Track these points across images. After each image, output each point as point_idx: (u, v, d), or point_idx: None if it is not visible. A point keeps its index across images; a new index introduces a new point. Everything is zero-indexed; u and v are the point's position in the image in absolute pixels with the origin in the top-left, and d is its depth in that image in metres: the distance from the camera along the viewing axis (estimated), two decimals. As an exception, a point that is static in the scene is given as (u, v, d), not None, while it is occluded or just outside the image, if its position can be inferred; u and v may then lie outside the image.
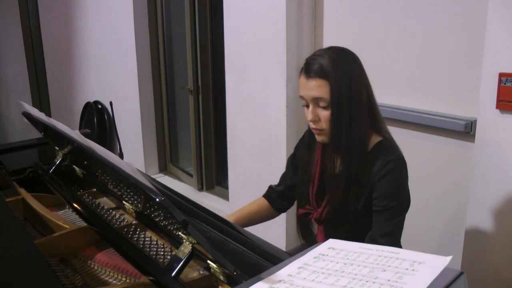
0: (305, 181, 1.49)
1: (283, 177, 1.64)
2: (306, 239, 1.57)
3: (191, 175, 3.52)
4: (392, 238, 1.33)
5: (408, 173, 1.38)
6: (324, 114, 1.31)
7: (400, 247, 1.40)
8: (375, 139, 1.37)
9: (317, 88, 1.29)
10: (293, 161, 1.60)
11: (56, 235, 1.20)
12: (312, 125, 1.36)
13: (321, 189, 1.45)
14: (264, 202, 1.64)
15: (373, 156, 1.34)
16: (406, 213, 1.37)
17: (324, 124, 1.33)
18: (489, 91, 1.59)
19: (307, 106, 1.34)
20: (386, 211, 1.32)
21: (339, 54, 1.31)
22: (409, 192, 1.39)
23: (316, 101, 1.31)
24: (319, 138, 1.38)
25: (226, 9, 2.59)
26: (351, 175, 1.34)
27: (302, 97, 1.35)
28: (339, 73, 1.28)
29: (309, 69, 1.31)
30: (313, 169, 1.46)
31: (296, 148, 1.61)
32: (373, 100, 1.38)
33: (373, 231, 1.34)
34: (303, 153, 1.53)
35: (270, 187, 1.66)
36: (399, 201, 1.33)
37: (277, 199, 1.62)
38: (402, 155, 1.36)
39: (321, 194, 1.45)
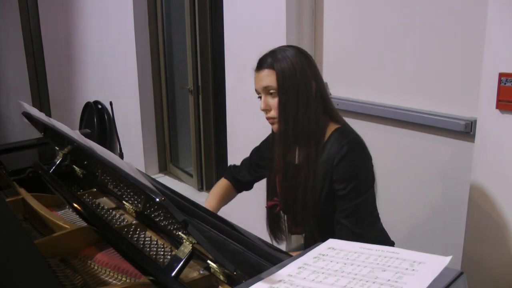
0: (272, 174, 1.55)
1: (244, 166, 1.74)
2: (276, 235, 1.62)
3: (191, 175, 3.52)
4: (355, 218, 1.37)
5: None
6: (273, 102, 1.40)
7: (370, 227, 1.43)
8: (332, 126, 1.44)
9: (265, 77, 1.39)
10: (256, 152, 1.70)
11: (56, 235, 1.20)
12: (265, 115, 1.44)
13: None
14: (228, 184, 1.74)
15: (330, 142, 1.40)
16: (368, 193, 1.40)
17: (274, 112, 1.41)
18: (489, 91, 1.59)
19: (261, 98, 1.44)
20: (346, 193, 1.36)
21: (287, 49, 1.42)
22: (371, 172, 1.42)
23: (266, 90, 1.40)
24: (274, 127, 1.46)
25: (226, 9, 2.59)
26: (310, 163, 1.41)
27: (256, 91, 1.45)
28: (284, 63, 1.37)
29: (260, 63, 1.42)
30: (276, 162, 1.53)
31: (263, 142, 1.69)
32: (324, 92, 1.45)
33: (337, 213, 1.39)
34: (268, 148, 1.61)
35: (229, 168, 1.76)
36: (358, 181, 1.37)
37: (238, 182, 1.74)
38: (358, 137, 1.42)
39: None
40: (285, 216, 1.57)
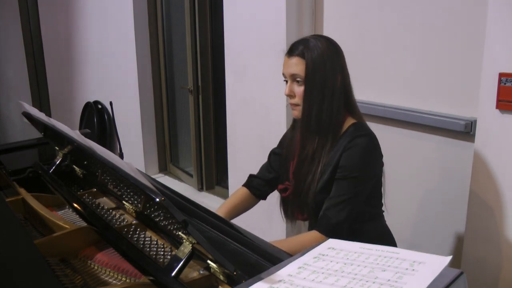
0: (287, 158, 1.57)
1: (263, 168, 1.71)
2: (288, 216, 1.62)
3: (191, 175, 3.52)
4: (347, 205, 1.39)
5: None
6: (299, 90, 1.43)
7: (352, 218, 1.43)
8: (350, 121, 1.47)
9: (295, 65, 1.42)
10: (274, 154, 1.67)
11: (56, 235, 1.20)
12: (289, 100, 1.47)
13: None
14: (245, 191, 1.70)
15: (345, 135, 1.43)
16: (366, 186, 1.42)
17: (298, 99, 1.44)
18: (489, 91, 1.59)
19: (287, 82, 1.47)
20: (346, 180, 1.39)
21: (321, 40, 1.44)
22: (378, 168, 1.45)
23: (293, 77, 1.44)
24: (294, 113, 1.49)
25: (226, 9, 2.59)
26: (322, 154, 1.44)
27: (283, 74, 1.48)
28: (316, 55, 1.40)
29: (292, 49, 1.45)
30: (294, 148, 1.55)
31: (283, 137, 1.68)
32: (349, 87, 1.48)
33: (330, 197, 1.41)
34: (287, 134, 1.63)
35: (251, 176, 1.73)
36: (361, 172, 1.39)
37: (258, 186, 1.69)
38: (372, 133, 1.44)
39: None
40: (292, 202, 1.58)
